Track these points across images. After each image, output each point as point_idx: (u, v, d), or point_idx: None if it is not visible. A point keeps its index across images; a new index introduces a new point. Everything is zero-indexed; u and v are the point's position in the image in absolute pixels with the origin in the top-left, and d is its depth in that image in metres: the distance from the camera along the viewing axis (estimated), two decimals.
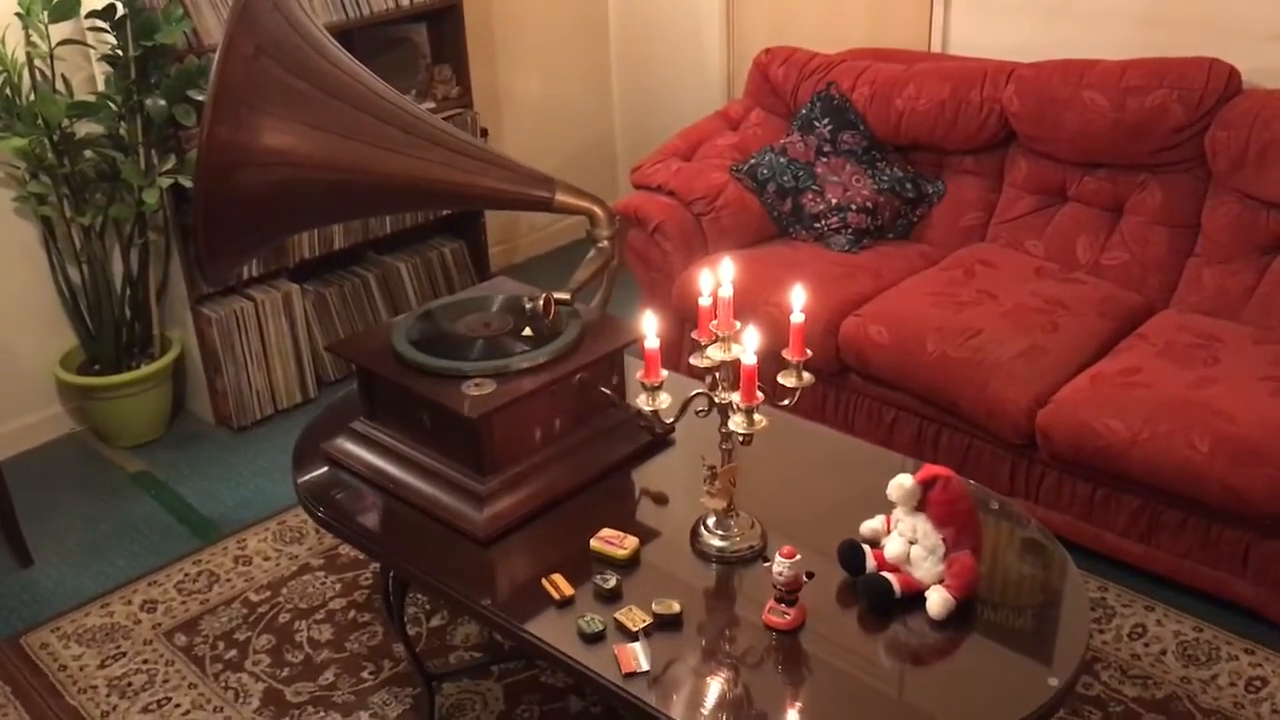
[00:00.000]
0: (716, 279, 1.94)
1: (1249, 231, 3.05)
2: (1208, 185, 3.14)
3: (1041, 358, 2.87)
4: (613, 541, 2.03)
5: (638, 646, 1.82)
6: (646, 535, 2.09)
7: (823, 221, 3.55)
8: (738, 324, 1.92)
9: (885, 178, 3.58)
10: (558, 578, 1.96)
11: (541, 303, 2.22)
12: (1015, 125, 3.39)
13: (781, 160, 3.63)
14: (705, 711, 1.73)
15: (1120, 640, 2.65)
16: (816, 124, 3.67)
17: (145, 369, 3.55)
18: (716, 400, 1.96)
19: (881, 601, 1.89)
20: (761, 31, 4.31)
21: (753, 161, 3.65)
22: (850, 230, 3.52)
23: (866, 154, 3.63)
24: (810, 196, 3.57)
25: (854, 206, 3.52)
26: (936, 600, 1.86)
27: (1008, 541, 2.09)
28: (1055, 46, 3.42)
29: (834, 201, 3.54)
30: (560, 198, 2.39)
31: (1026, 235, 3.42)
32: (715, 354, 1.94)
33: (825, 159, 3.62)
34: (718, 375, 1.97)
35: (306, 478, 2.33)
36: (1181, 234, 3.18)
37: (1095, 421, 2.66)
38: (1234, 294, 3.06)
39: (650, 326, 1.92)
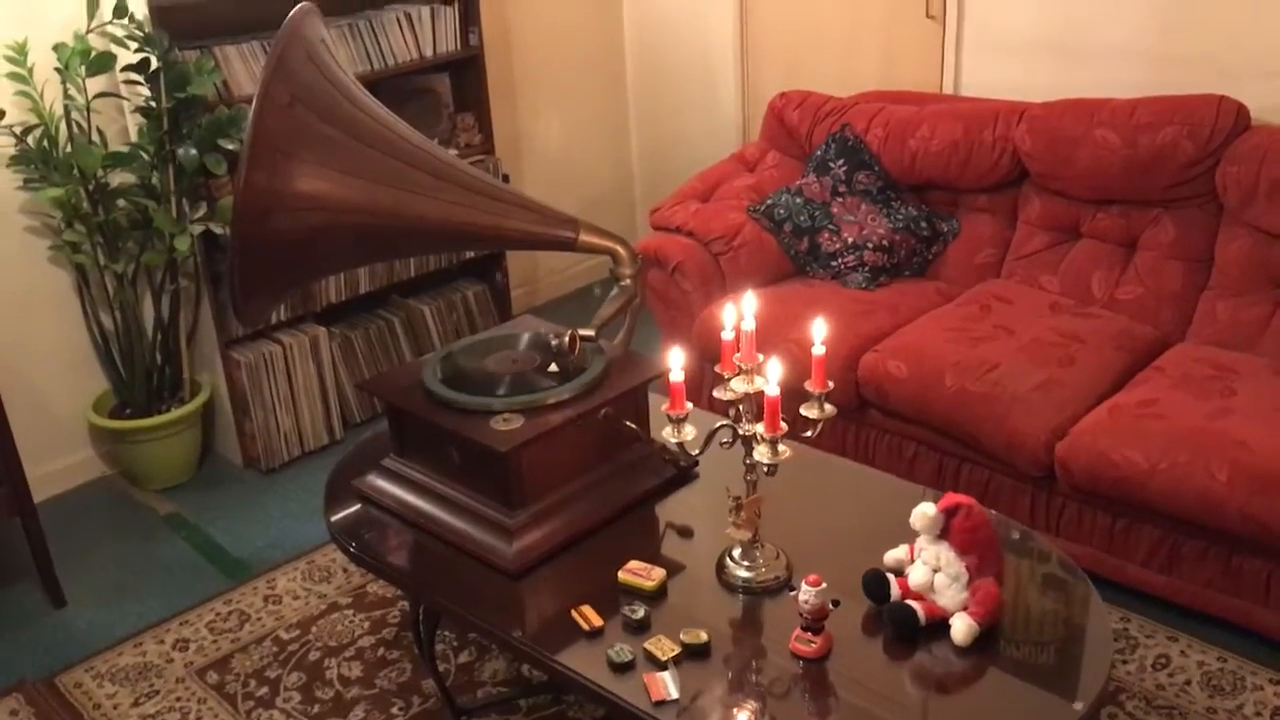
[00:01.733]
0: (739, 313, 1.99)
1: (1262, 265, 3.09)
2: (1220, 219, 3.18)
3: (1059, 391, 2.91)
4: (640, 573, 2.07)
5: (667, 675, 1.86)
6: (672, 567, 2.13)
7: (839, 260, 3.60)
8: (760, 357, 1.97)
9: (900, 216, 3.64)
10: (587, 609, 2.00)
11: (567, 339, 2.28)
12: (1028, 164, 3.45)
13: (798, 200, 3.69)
14: None
15: (1144, 671, 2.66)
16: (831, 165, 3.73)
17: (176, 412, 3.62)
18: (741, 432, 2.00)
19: (907, 629, 1.92)
20: (775, 76, 4.39)
21: (769, 202, 3.72)
22: (867, 268, 3.57)
23: (881, 193, 3.69)
24: (827, 235, 3.63)
25: (870, 245, 3.58)
26: (961, 627, 1.89)
27: (1030, 569, 2.11)
28: (1065, 87, 3.48)
29: (850, 240, 3.60)
30: (584, 238, 2.45)
31: (1041, 271, 3.46)
32: (739, 386, 1.99)
33: (841, 199, 3.69)
34: (741, 408, 2.02)
35: (339, 514, 2.38)
36: (1195, 268, 3.22)
37: (1113, 453, 2.69)
38: (1249, 326, 3.09)
39: (676, 360, 1.97)
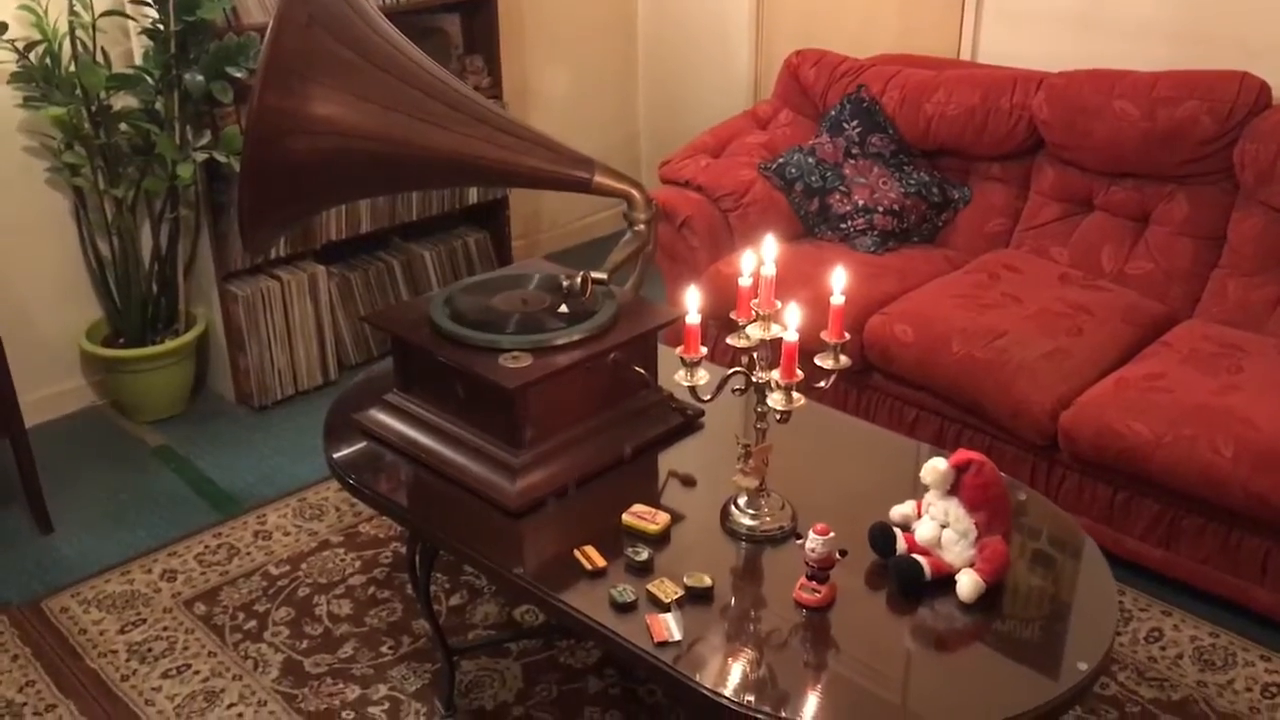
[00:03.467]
0: (759, 258, 1.96)
1: (1275, 245, 3.07)
2: (1235, 198, 3.16)
3: (1066, 360, 2.89)
4: (645, 516, 2.04)
5: (670, 617, 1.84)
6: (676, 514, 2.10)
7: (849, 222, 3.57)
8: (779, 304, 1.94)
9: (912, 181, 3.61)
10: (590, 549, 1.98)
11: (579, 281, 2.24)
12: (1044, 133, 3.41)
13: (810, 160, 3.65)
14: (735, 681, 1.74)
15: (1137, 643, 2.66)
16: (845, 126, 3.69)
17: (169, 344, 3.57)
18: (754, 379, 1.98)
19: (912, 583, 1.90)
20: (790, 35, 4.34)
21: (781, 160, 3.68)
22: (876, 232, 3.54)
23: (894, 157, 3.65)
24: (837, 197, 3.60)
25: (881, 209, 3.54)
26: (967, 583, 1.87)
27: (1036, 530, 2.10)
28: (1086, 59, 3.44)
29: (861, 203, 3.56)
30: (599, 179, 2.41)
31: (1051, 243, 3.44)
32: (755, 332, 1.96)
33: (853, 161, 3.65)
34: (755, 355, 1.99)
35: (338, 448, 2.35)
36: (1207, 245, 3.20)
37: (1118, 424, 2.68)
38: (1258, 306, 3.07)
39: (693, 301, 1.94)
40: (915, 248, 3.58)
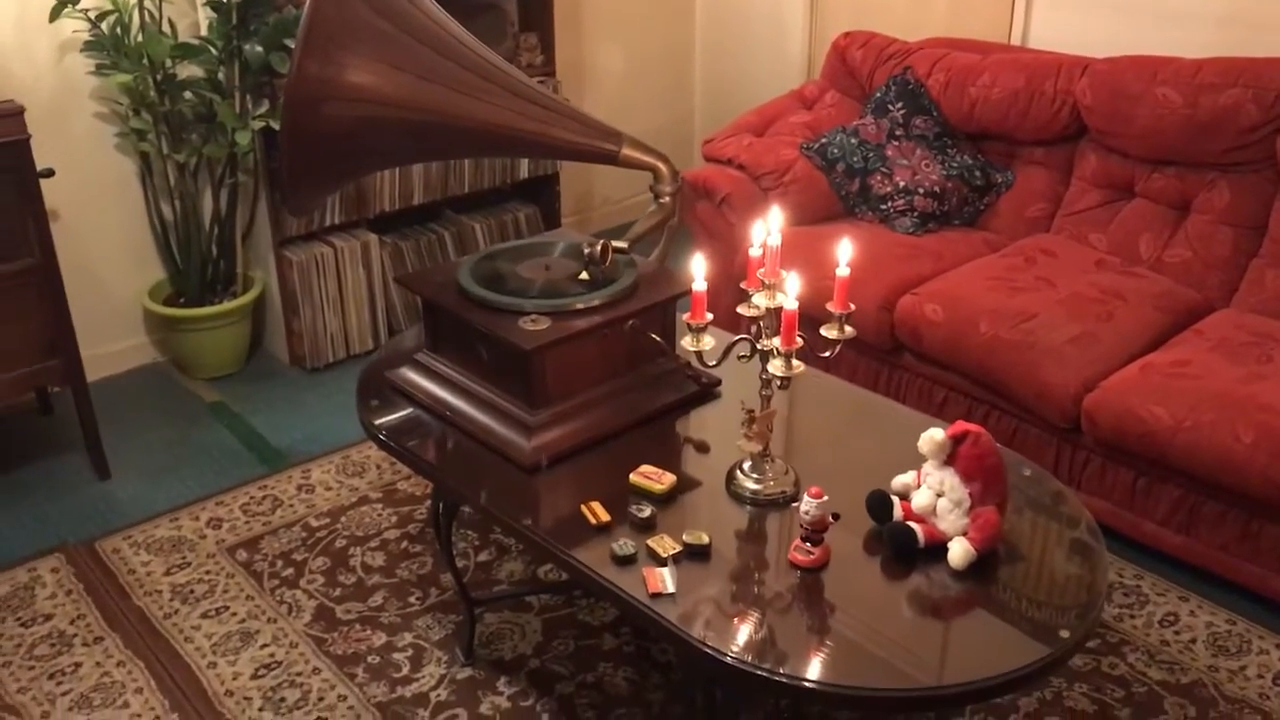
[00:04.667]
0: (766, 228, 2.02)
1: None
2: (1277, 187, 3.13)
3: (1093, 345, 2.90)
4: (651, 476, 2.12)
5: (665, 571, 1.91)
6: (684, 477, 2.17)
7: (889, 203, 3.60)
8: (783, 273, 2.00)
9: (955, 164, 3.62)
10: (596, 505, 2.06)
11: (599, 248, 2.32)
12: (1087, 119, 3.41)
13: (853, 141, 3.68)
14: (724, 633, 1.81)
15: (1151, 626, 2.68)
16: (890, 108, 3.72)
17: (227, 305, 3.73)
18: (759, 346, 2.04)
19: (905, 549, 1.95)
20: (844, 18, 4.36)
21: (824, 140, 3.72)
22: (916, 213, 3.56)
23: (938, 140, 3.67)
24: (879, 178, 3.63)
25: (921, 190, 3.57)
26: (958, 551, 1.91)
27: (1035, 504, 2.13)
28: (1135, 45, 3.43)
29: (902, 184, 3.59)
30: (627, 151, 2.48)
31: (1091, 229, 3.43)
32: (761, 301, 2.02)
33: (896, 142, 3.67)
34: (762, 324, 2.05)
35: (369, 402, 2.46)
36: (1247, 235, 3.18)
37: (1140, 408, 2.69)
38: None
39: (699, 269, 2.00)
40: (955, 230, 3.60)
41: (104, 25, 3.36)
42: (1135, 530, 2.85)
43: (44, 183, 2.96)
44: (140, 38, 3.38)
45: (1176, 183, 3.29)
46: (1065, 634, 1.80)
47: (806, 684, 1.73)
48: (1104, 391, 2.78)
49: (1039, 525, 2.09)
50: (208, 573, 2.88)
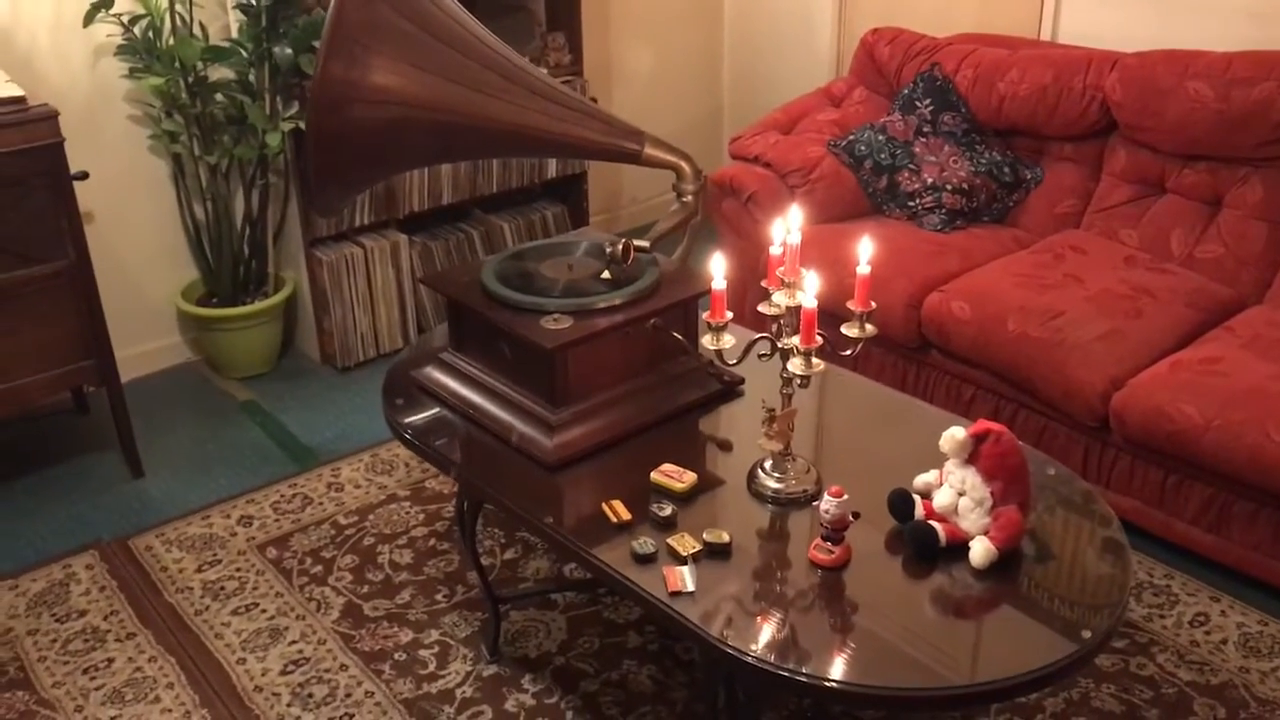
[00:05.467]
0: (786, 227, 2.02)
1: None
2: None
3: (1122, 342, 2.88)
4: (672, 475, 2.12)
5: (685, 570, 1.92)
6: (706, 475, 2.18)
7: (917, 200, 3.58)
8: (803, 271, 1.99)
9: (983, 161, 3.60)
10: (617, 503, 2.07)
11: (621, 248, 2.32)
12: (1116, 114, 3.38)
13: (880, 138, 3.67)
14: (745, 632, 1.81)
15: (1181, 626, 2.65)
16: (918, 104, 3.70)
17: (259, 305, 3.77)
18: (780, 345, 2.04)
19: (926, 548, 1.95)
20: (872, 14, 4.34)
21: (851, 138, 3.71)
22: (944, 210, 3.55)
23: (966, 136, 3.65)
24: (906, 175, 3.61)
25: (949, 187, 3.55)
26: (979, 550, 1.91)
27: (1060, 503, 2.12)
28: (1166, 39, 3.40)
29: (930, 181, 3.57)
30: (649, 151, 2.49)
31: (1121, 225, 3.40)
32: (781, 300, 2.02)
33: (924, 139, 3.66)
34: (782, 322, 2.05)
35: (395, 401, 2.48)
36: None
37: (1169, 406, 2.66)
38: None
39: (719, 268, 2.00)
40: (984, 227, 3.58)
41: (136, 29, 3.40)
42: (1165, 529, 2.82)
43: (78, 185, 3.01)
44: (172, 41, 3.43)
45: (1208, 178, 3.26)
46: (1088, 633, 1.79)
47: (829, 684, 1.73)
48: (1132, 389, 2.75)
49: (1063, 524, 2.08)
50: (238, 570, 2.92)
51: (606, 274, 2.37)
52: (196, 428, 3.59)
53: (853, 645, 1.81)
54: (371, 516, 3.11)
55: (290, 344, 4.03)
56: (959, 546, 1.95)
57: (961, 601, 1.91)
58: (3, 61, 3.25)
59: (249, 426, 3.60)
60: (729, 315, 2.04)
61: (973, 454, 1.96)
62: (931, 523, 1.96)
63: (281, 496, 3.21)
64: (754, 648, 1.78)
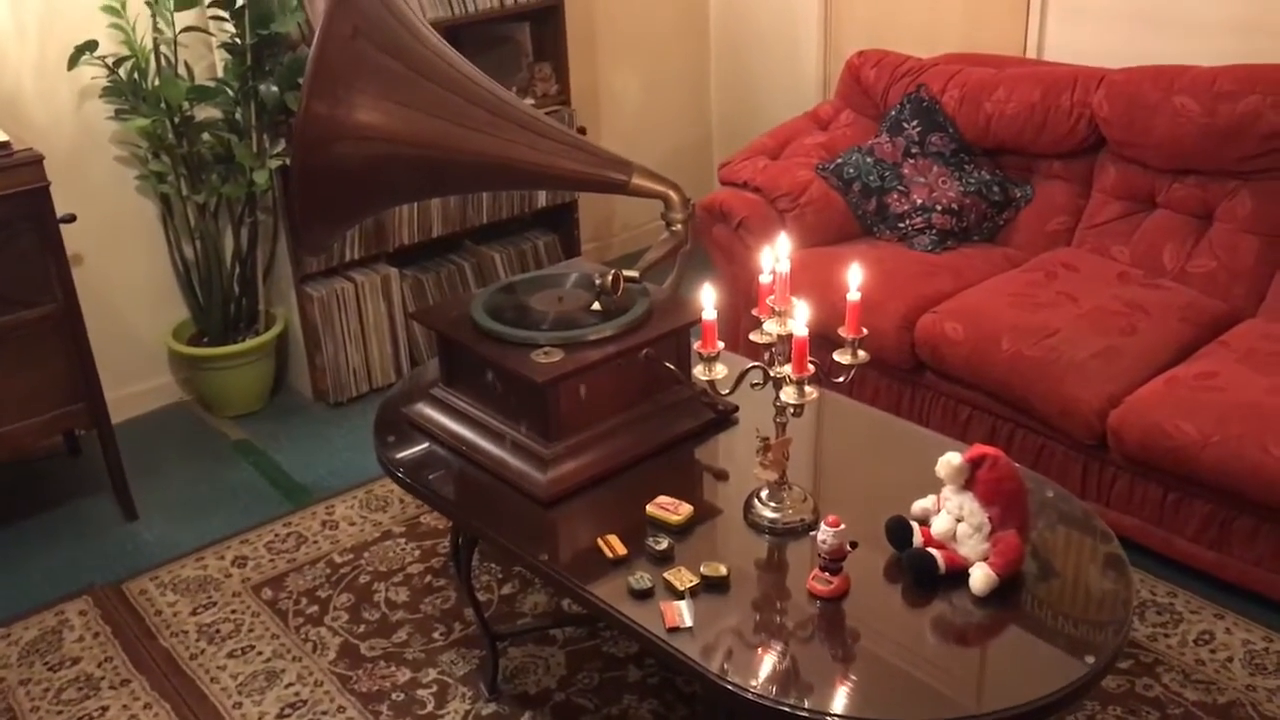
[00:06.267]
0: (775, 256, 2.01)
1: None
2: None
3: (1117, 359, 2.86)
4: (668, 507, 2.10)
5: (683, 604, 1.90)
6: (702, 506, 2.16)
7: (907, 221, 3.58)
8: (793, 300, 1.98)
9: (972, 180, 3.60)
10: (612, 538, 2.05)
11: (610, 279, 2.31)
12: (1105, 130, 3.38)
13: (868, 160, 3.67)
14: (745, 667, 1.79)
15: (1185, 645, 2.63)
16: (905, 125, 3.70)
17: (250, 342, 3.75)
18: (772, 374, 2.02)
19: (925, 576, 1.93)
20: (858, 36, 4.35)
21: (839, 161, 3.70)
22: (934, 231, 3.54)
23: (954, 156, 3.64)
24: (895, 196, 3.61)
25: (939, 208, 3.54)
26: (979, 576, 1.89)
27: (1059, 527, 2.10)
28: (1152, 55, 3.39)
29: (919, 202, 3.57)
30: (636, 181, 2.48)
31: (1113, 241, 3.40)
32: (772, 328, 2.01)
33: (913, 160, 3.65)
34: (774, 350, 2.03)
35: (387, 439, 2.46)
36: (1272, 243, 3.13)
37: (1166, 423, 2.65)
38: None
39: (709, 299, 1.99)
40: (975, 247, 3.57)
41: (121, 71, 3.40)
42: (1167, 546, 2.80)
43: (67, 227, 2.99)
44: (157, 82, 3.42)
45: (1198, 192, 3.25)
46: (1090, 659, 1.77)
47: (831, 717, 1.71)
48: (1129, 407, 2.74)
49: (1062, 548, 2.06)
50: (233, 612, 2.89)
51: (597, 305, 2.35)
52: (189, 468, 3.56)
53: (854, 677, 1.79)
54: (367, 554, 3.09)
55: (282, 381, 4.01)
56: (959, 573, 1.93)
57: (963, 629, 1.89)
58: None
59: (242, 465, 3.58)
60: (720, 345, 2.03)
61: (969, 479, 1.94)
62: (930, 550, 1.95)
63: (276, 536, 3.19)
64: (754, 683, 1.75)
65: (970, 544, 1.93)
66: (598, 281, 2.33)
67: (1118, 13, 3.58)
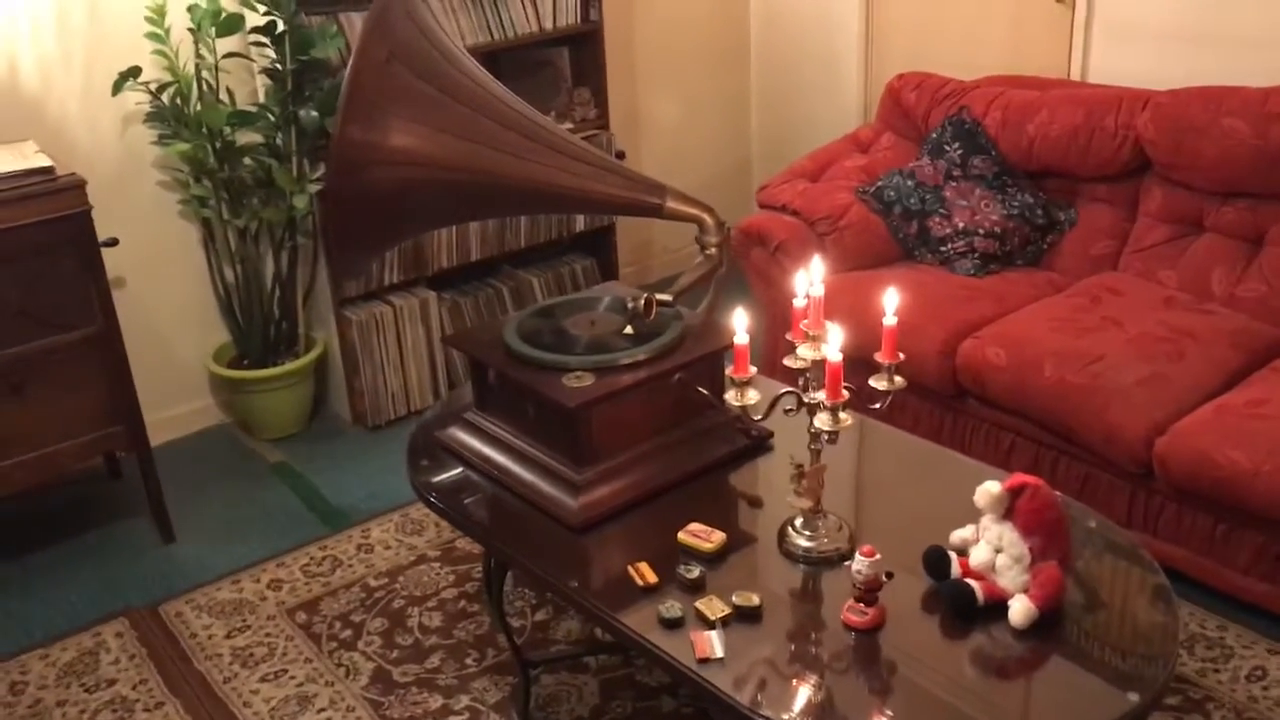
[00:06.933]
0: (809, 280, 1.98)
1: None
2: None
3: (1164, 386, 2.80)
4: (700, 535, 2.07)
5: (714, 634, 1.86)
6: (736, 533, 2.12)
7: (949, 245, 3.53)
8: (827, 324, 1.95)
9: (1015, 204, 3.54)
10: (643, 566, 2.02)
11: (643, 303, 2.29)
12: (1150, 153, 3.32)
13: (909, 183, 3.63)
14: (777, 700, 1.75)
15: (1237, 681, 2.55)
16: (947, 148, 3.65)
17: (290, 366, 3.76)
18: (806, 400, 1.99)
19: (963, 608, 1.88)
20: (899, 59, 4.31)
21: (880, 184, 3.67)
22: (977, 255, 3.49)
23: (997, 179, 3.59)
24: (937, 220, 3.56)
25: (981, 231, 3.49)
26: (1019, 609, 1.84)
27: (1103, 558, 2.05)
28: (1198, 76, 3.33)
29: (961, 226, 3.52)
30: (671, 204, 2.46)
31: (1160, 265, 3.33)
32: (806, 353, 1.97)
33: (954, 183, 3.61)
34: (808, 375, 2.00)
35: (420, 464, 2.45)
36: None
37: (1215, 452, 2.58)
38: None
39: (741, 323, 1.96)
40: (1018, 271, 3.51)
41: (164, 96, 3.44)
42: (1217, 578, 2.73)
43: (109, 251, 3.03)
44: (199, 107, 3.46)
45: (1248, 215, 3.18)
46: (1134, 697, 1.71)
47: None
48: (1176, 435, 2.67)
49: (1108, 579, 2.01)
50: (268, 635, 2.88)
51: (629, 329, 2.33)
52: (228, 490, 3.58)
53: (890, 711, 1.74)
54: (401, 578, 3.07)
55: (322, 404, 4.02)
56: (998, 605, 1.88)
57: (1003, 662, 1.83)
58: (34, 132, 3.29)
59: (280, 488, 3.58)
60: (753, 370, 2.00)
61: (1009, 509, 1.90)
62: (969, 581, 1.90)
63: (311, 559, 3.19)
64: (787, 716, 1.71)
65: (1010, 575, 1.88)
66: (630, 305, 2.31)
67: (1164, 33, 3.52)
